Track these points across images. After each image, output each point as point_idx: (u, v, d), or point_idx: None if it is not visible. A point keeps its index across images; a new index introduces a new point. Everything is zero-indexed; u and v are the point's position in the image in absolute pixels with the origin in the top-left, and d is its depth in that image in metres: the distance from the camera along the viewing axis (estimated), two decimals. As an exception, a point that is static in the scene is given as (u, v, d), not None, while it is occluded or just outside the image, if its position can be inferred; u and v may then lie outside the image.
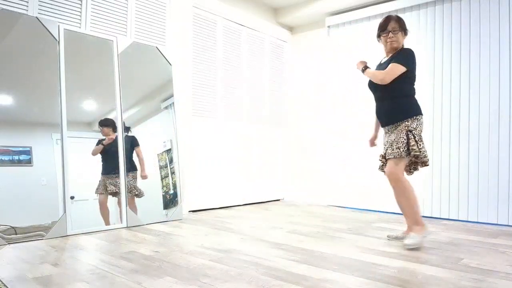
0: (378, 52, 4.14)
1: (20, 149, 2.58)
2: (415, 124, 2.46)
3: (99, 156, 3.02)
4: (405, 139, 2.42)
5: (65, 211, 2.69)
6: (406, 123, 2.46)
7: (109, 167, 3.05)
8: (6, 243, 2.38)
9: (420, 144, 2.43)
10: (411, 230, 2.46)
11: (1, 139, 2.50)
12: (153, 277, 1.78)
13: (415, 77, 2.56)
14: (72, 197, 2.76)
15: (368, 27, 4.26)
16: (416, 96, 2.60)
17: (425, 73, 3.82)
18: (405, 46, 2.59)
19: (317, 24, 4.83)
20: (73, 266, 1.94)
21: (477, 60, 3.51)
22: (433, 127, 3.76)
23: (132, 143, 3.20)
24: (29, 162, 2.61)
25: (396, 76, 2.45)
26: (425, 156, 2.46)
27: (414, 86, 2.58)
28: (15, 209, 2.50)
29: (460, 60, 3.61)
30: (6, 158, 2.51)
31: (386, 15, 2.78)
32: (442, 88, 3.72)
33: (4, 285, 1.63)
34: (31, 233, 2.51)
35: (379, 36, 2.66)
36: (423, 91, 3.82)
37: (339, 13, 4.50)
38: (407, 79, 2.50)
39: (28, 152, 2.61)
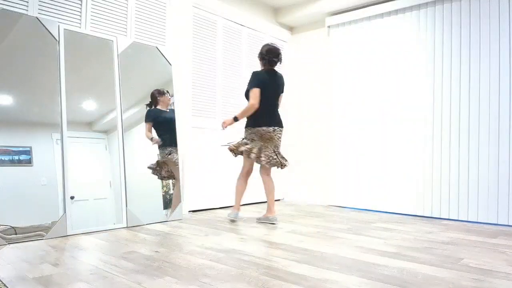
0: (377, 52, 4.15)
1: (20, 149, 2.58)
2: None
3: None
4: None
5: (65, 211, 2.69)
6: (281, 134, 3.33)
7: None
8: (6, 243, 2.38)
9: None
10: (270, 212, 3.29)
11: (1, 139, 2.50)
12: (153, 277, 1.78)
13: None
14: (72, 197, 2.76)
15: (368, 27, 4.26)
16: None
17: (425, 73, 3.82)
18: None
19: (317, 24, 4.83)
20: (73, 266, 1.94)
21: (477, 60, 3.51)
22: (433, 127, 3.76)
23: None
24: (29, 162, 2.61)
25: None
26: None
27: None
28: (15, 209, 2.50)
29: (460, 60, 3.61)
30: (6, 158, 2.51)
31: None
32: (442, 88, 3.72)
33: (4, 285, 1.63)
34: (31, 233, 2.51)
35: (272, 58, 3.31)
36: (423, 91, 3.82)
37: (339, 13, 4.50)
38: None
39: (28, 152, 2.61)
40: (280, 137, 3.32)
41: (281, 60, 3.34)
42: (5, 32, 2.58)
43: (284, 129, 3.39)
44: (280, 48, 3.35)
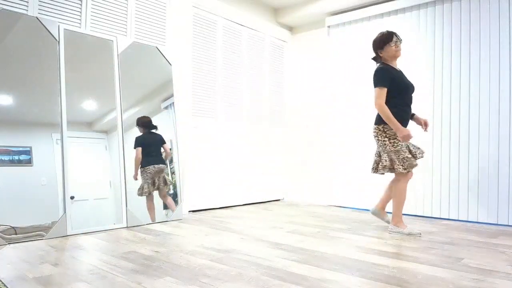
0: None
1: (20, 149, 2.58)
2: None
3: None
4: None
5: (65, 211, 2.69)
6: (374, 132, 3.09)
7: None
8: (6, 243, 2.38)
9: None
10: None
11: (1, 139, 2.50)
12: (153, 277, 1.78)
13: None
14: (72, 197, 2.76)
15: (368, 27, 4.26)
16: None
17: (425, 73, 3.81)
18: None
19: (317, 24, 4.82)
20: (73, 266, 1.94)
21: (477, 60, 3.51)
22: (433, 127, 3.76)
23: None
24: (29, 162, 2.61)
25: None
26: None
27: None
28: (15, 209, 2.50)
29: (460, 60, 3.61)
30: (6, 158, 2.51)
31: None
32: (442, 88, 3.72)
33: (4, 285, 1.63)
34: (31, 233, 2.51)
35: (387, 43, 3.02)
36: (423, 91, 3.82)
37: (339, 13, 4.50)
38: None
39: (28, 152, 2.61)
40: (374, 136, 3.05)
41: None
42: (5, 32, 2.58)
43: (377, 126, 3.03)
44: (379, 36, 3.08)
